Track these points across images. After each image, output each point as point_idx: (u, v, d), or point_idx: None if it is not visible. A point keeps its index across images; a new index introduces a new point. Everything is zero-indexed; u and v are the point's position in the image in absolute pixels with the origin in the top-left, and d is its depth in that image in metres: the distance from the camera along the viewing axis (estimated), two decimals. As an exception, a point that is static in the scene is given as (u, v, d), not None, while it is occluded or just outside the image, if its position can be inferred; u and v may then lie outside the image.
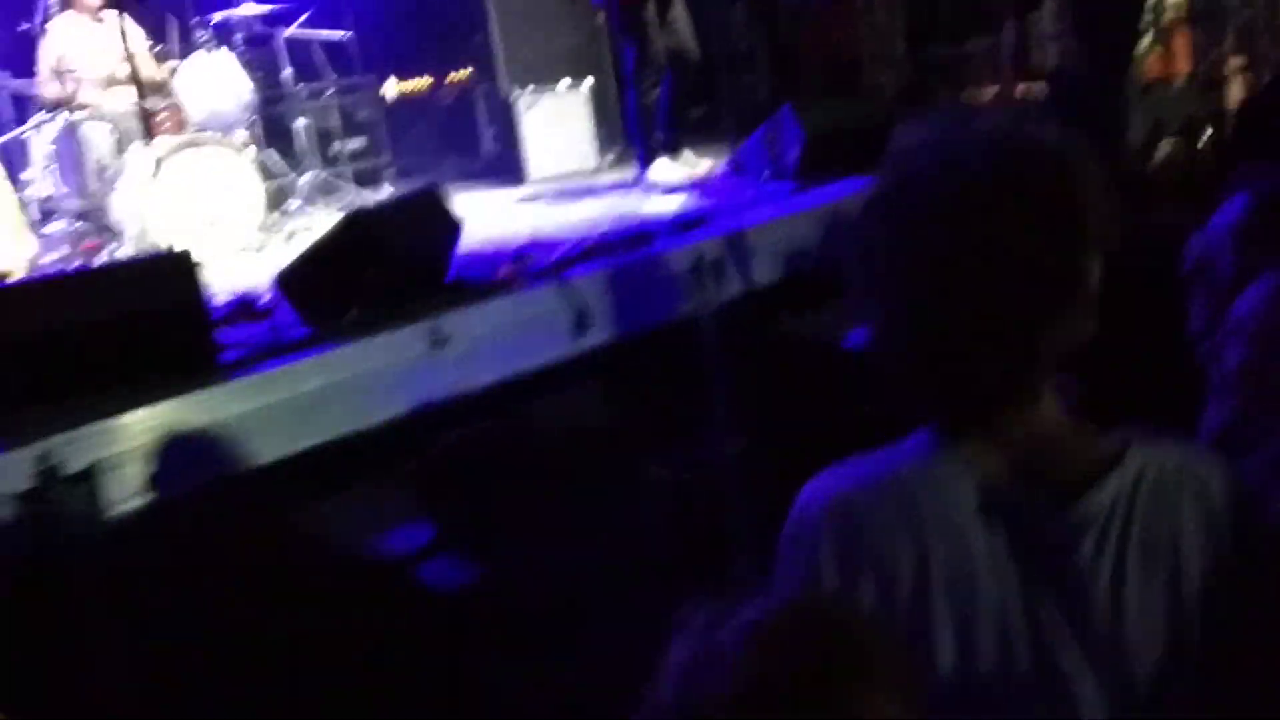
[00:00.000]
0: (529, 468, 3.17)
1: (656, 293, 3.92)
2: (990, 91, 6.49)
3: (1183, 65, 6.56)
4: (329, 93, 6.99)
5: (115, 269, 3.99)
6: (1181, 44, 6.61)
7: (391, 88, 8.18)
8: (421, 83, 8.53)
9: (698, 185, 5.25)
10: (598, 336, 3.72)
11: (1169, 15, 6.62)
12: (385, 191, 6.91)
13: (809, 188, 4.64)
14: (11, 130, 6.03)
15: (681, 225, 4.23)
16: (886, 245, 1.22)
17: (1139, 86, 5.84)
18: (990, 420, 1.20)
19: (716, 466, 3.66)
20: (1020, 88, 6.27)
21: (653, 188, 5.43)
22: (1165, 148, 5.63)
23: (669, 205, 4.89)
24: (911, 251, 1.19)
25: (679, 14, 5.48)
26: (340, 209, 6.44)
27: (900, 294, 1.21)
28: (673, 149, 5.57)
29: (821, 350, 3.95)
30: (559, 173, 6.69)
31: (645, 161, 5.59)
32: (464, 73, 8.18)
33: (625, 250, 4.03)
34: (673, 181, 5.42)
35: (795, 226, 4.34)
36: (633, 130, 5.92)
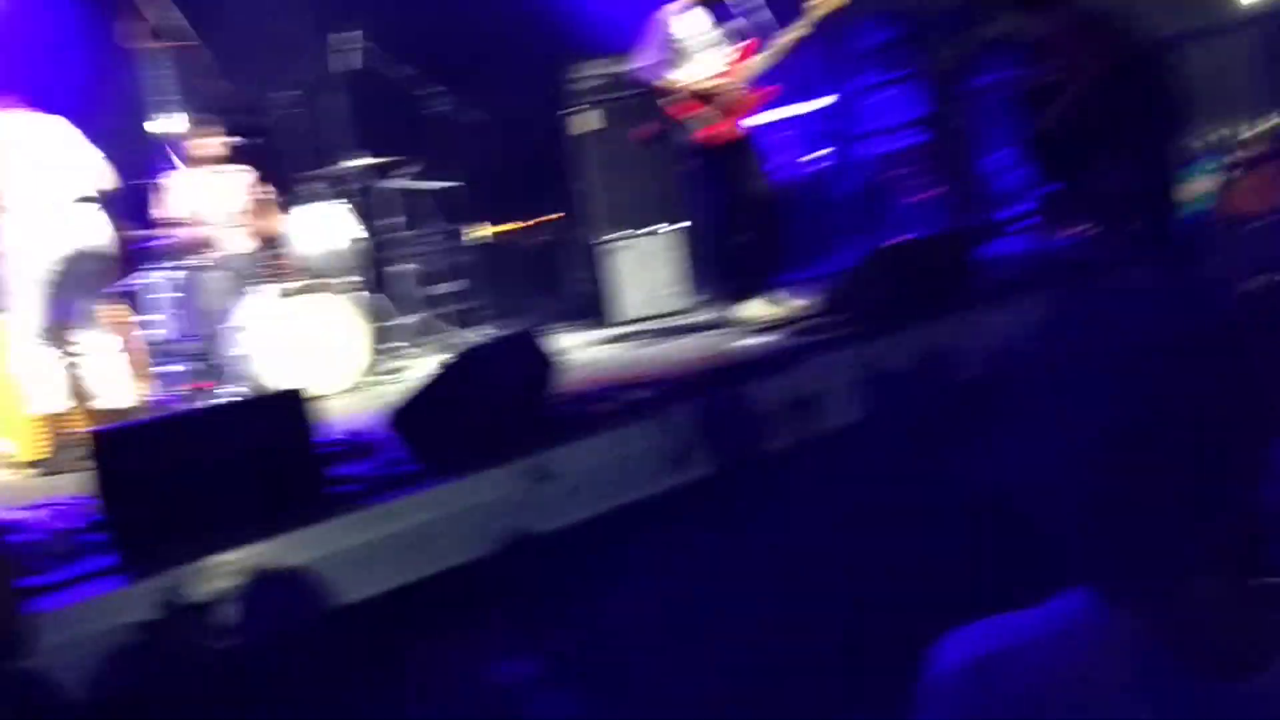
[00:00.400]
0: (632, 603, 3.20)
1: (752, 429, 3.99)
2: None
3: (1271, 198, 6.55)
4: (433, 238, 7.30)
5: (231, 408, 4.17)
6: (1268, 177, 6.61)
7: (488, 231, 8.50)
8: (516, 226, 8.86)
9: (792, 323, 5.34)
10: (694, 472, 3.79)
11: (1255, 148, 6.64)
12: (484, 332, 7.14)
13: (898, 326, 4.69)
14: (135, 276, 6.39)
15: (775, 363, 4.30)
16: None
17: (1226, 220, 5.86)
18: None
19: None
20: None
21: (744, 327, 5.54)
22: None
23: (761, 342, 4.99)
24: None
25: (764, 161, 5.67)
26: (441, 350, 6.68)
27: None
28: (762, 291, 5.70)
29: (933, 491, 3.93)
30: (648, 314, 6.87)
31: (734, 302, 5.71)
32: (556, 217, 8.49)
33: (720, 387, 4.11)
34: (763, 320, 5.53)
35: (890, 364, 4.38)
36: (720, 273, 6.08)
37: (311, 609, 2.98)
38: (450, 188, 7.26)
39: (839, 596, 3.52)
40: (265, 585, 2.94)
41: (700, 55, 5.54)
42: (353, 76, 7.05)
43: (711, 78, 5.51)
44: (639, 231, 7.00)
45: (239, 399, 5.06)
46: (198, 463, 3.04)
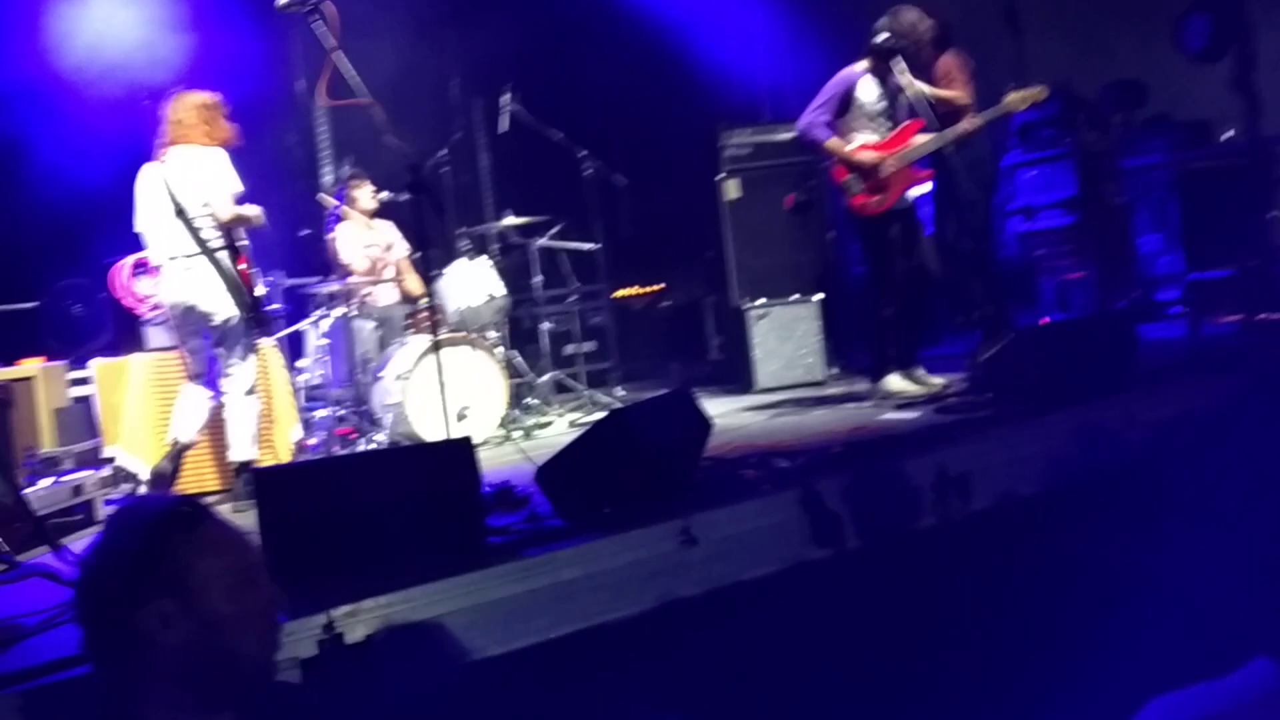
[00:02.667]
0: (771, 672, 3.16)
1: (898, 504, 3.93)
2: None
3: None
4: (570, 299, 7.41)
5: (401, 453, 4.26)
6: None
7: (622, 293, 8.61)
8: (650, 290, 8.95)
9: (933, 400, 5.27)
10: (839, 544, 3.74)
11: None
12: (616, 393, 7.20)
13: (1051, 407, 4.60)
14: (291, 324, 6.62)
15: (922, 438, 4.24)
16: None
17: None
18: None
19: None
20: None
21: (886, 401, 5.49)
22: None
23: (905, 417, 4.93)
24: None
25: (923, 236, 5.64)
26: (572, 408, 6.75)
27: None
28: (906, 365, 5.64)
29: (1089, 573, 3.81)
30: (785, 382, 6.85)
31: (876, 376, 5.66)
32: (692, 283, 8.55)
33: (866, 460, 4.07)
34: (906, 396, 5.47)
35: (1042, 444, 4.29)
36: (864, 345, 6.03)
37: (462, 657, 3.01)
38: (590, 249, 7.37)
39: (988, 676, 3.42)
40: (419, 631, 2.99)
41: (870, 124, 5.54)
42: (502, 137, 7.24)
43: (877, 148, 5.51)
44: (778, 300, 7.00)
45: (410, 445, 5.17)
46: (366, 504, 3.11)
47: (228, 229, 4.85)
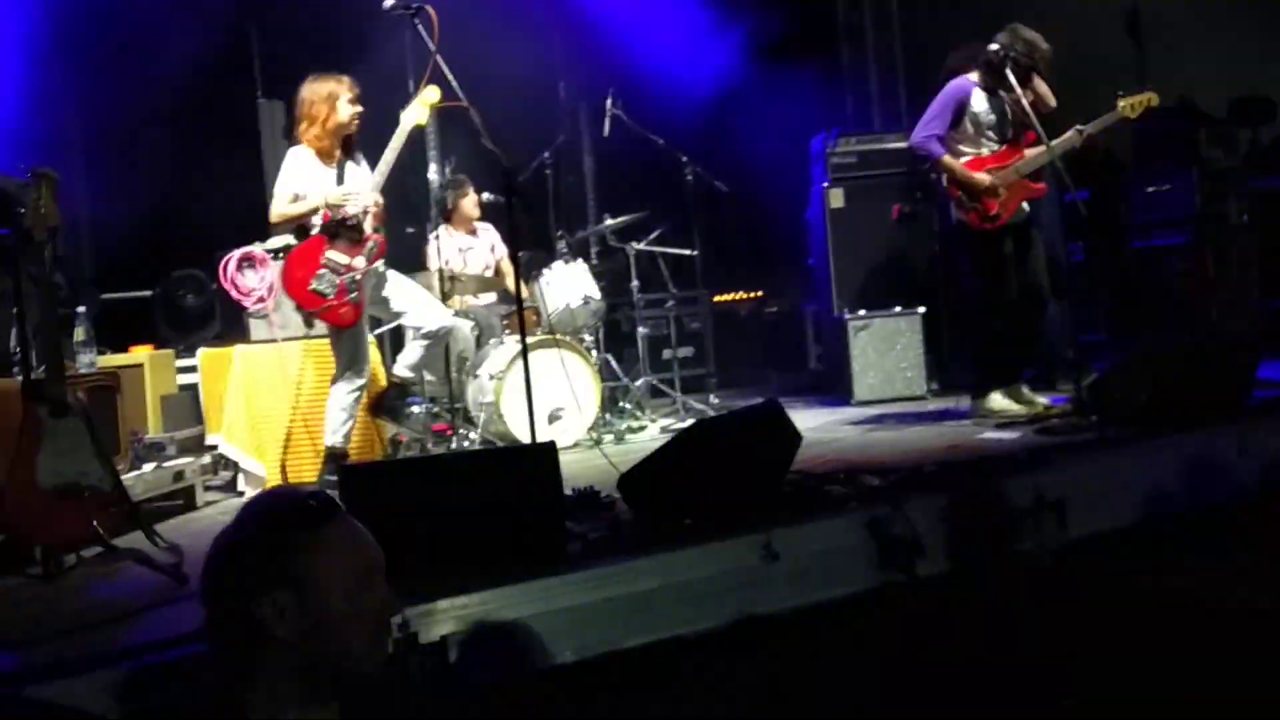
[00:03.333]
0: (852, 692, 3.08)
1: (992, 528, 3.81)
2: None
3: None
4: (667, 304, 7.38)
5: (484, 455, 4.28)
6: None
7: (723, 298, 8.56)
8: (751, 296, 8.88)
9: (1035, 420, 5.11)
10: (928, 566, 3.64)
11: None
12: (710, 400, 7.15)
13: (1158, 433, 4.42)
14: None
15: (1020, 460, 4.11)
16: None
17: None
18: None
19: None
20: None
21: (987, 420, 5.35)
22: None
23: (1005, 438, 4.79)
24: None
25: (1038, 253, 5.49)
26: (666, 414, 6.72)
27: None
28: (1010, 383, 5.49)
29: (1193, 613, 3.64)
30: (884, 395, 6.73)
31: (980, 393, 5.53)
32: (792, 292, 8.46)
33: (961, 480, 3.96)
34: (1008, 415, 5.32)
35: (1147, 472, 4.13)
36: (967, 361, 5.89)
37: (541, 662, 3.00)
38: (688, 255, 7.33)
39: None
40: (493, 633, 2.98)
41: (982, 137, 5.44)
42: (605, 142, 7.24)
43: (989, 161, 5.40)
44: (880, 311, 6.87)
45: (496, 448, 5.19)
46: (451, 505, 3.12)
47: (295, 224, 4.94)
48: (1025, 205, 5.45)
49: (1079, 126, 5.29)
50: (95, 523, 3.46)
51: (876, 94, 9.08)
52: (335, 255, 4.87)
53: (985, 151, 5.44)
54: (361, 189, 4.94)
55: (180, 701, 2.63)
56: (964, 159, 5.43)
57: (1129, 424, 4.50)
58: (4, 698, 2.40)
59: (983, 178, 5.35)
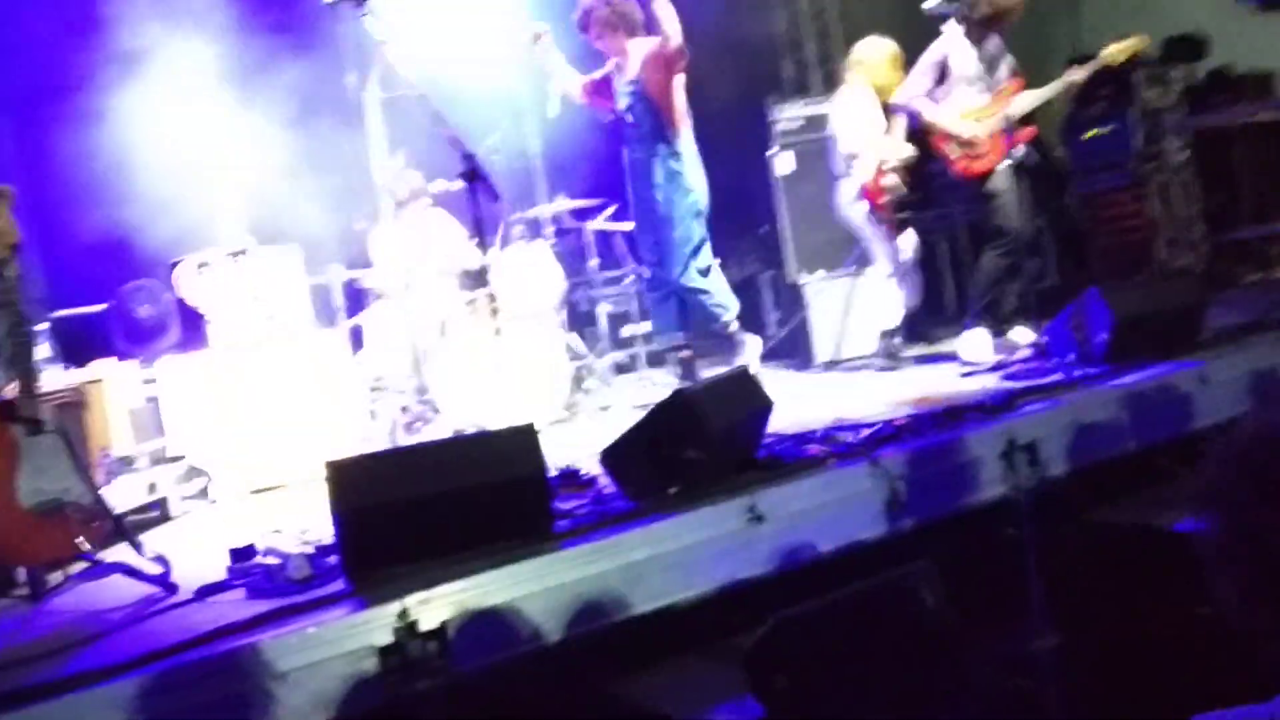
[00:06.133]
0: (850, 650, 3.14)
1: (967, 475, 3.88)
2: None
3: None
4: (627, 280, 7.40)
5: (466, 441, 4.29)
6: None
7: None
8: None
9: (999, 367, 5.21)
10: (907, 518, 3.71)
11: None
12: (673, 372, 7.18)
13: (1119, 371, 4.53)
14: (349, 316, 6.68)
15: (990, 407, 4.19)
16: (1254, 507, 1.18)
17: None
18: None
19: (1030, 663, 3.52)
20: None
21: (964, 363, 5.45)
22: None
23: (973, 386, 4.87)
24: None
25: (1023, 195, 5.61)
26: (636, 389, 6.76)
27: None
28: (999, 323, 5.59)
29: (1145, 537, 3.77)
30: (846, 355, 6.80)
31: (970, 327, 5.68)
32: (747, 259, 8.49)
33: (934, 431, 4.03)
34: (987, 360, 5.41)
35: (1106, 410, 4.22)
36: (925, 313, 5.99)
37: (535, 642, 3.03)
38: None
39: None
40: (491, 616, 3.01)
41: (970, 88, 5.53)
42: (551, 121, 7.23)
43: (975, 112, 5.49)
44: (835, 272, 6.93)
45: (474, 433, 5.20)
46: (435, 493, 3.14)
47: None
48: (1017, 149, 5.53)
49: (1075, 68, 5.39)
50: (80, 538, 3.44)
51: (813, 59, 9.13)
52: None
53: (977, 102, 5.53)
54: None
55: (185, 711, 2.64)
56: (950, 112, 5.55)
57: (1093, 363, 4.61)
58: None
59: (964, 126, 5.44)
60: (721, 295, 5.98)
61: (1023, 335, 5.59)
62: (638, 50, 5.85)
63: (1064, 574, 3.62)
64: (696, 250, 5.85)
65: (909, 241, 6.37)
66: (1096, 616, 3.71)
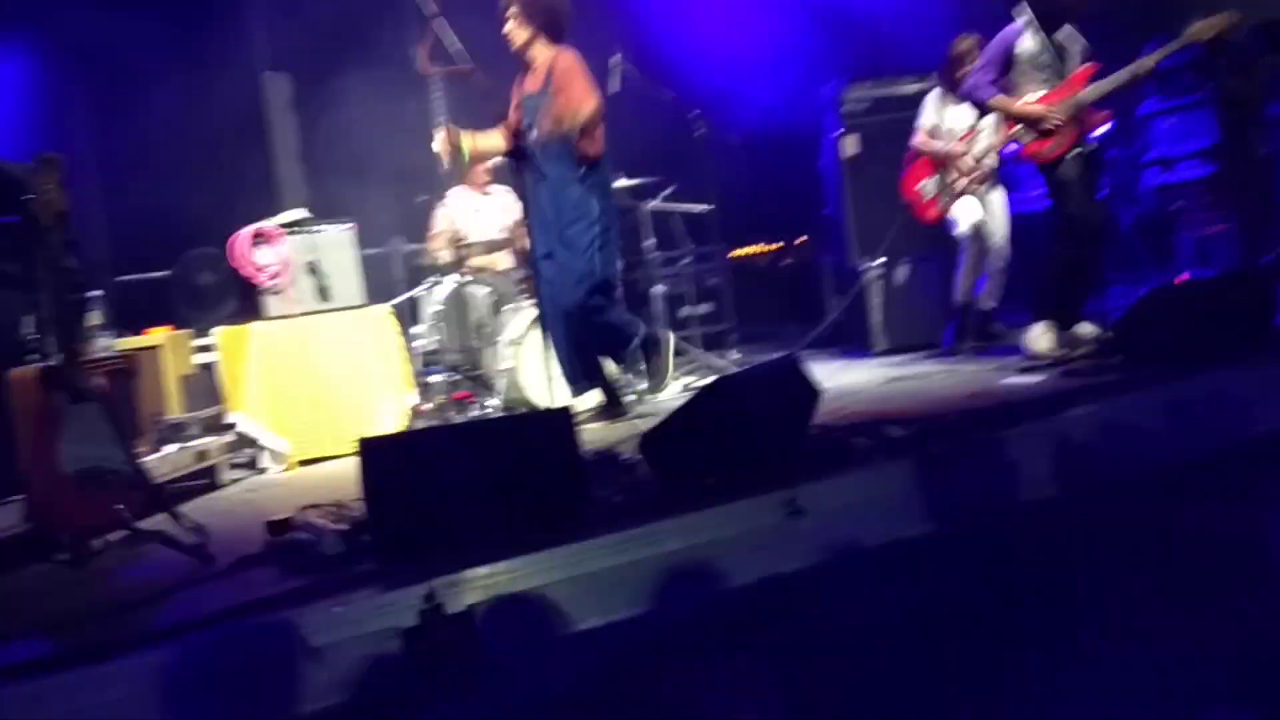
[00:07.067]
0: (890, 647, 3.06)
1: (1017, 474, 3.77)
2: None
3: None
4: (684, 261, 7.33)
5: (501, 423, 4.27)
6: None
7: (740, 252, 8.49)
8: (770, 248, 8.81)
9: (1058, 363, 5.06)
10: (954, 516, 3.61)
11: None
12: (731, 356, 7.11)
13: (1184, 372, 4.36)
14: (407, 290, 6.69)
15: (1044, 405, 4.07)
16: None
17: None
18: None
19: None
20: None
21: (1019, 362, 5.31)
22: None
23: (1029, 382, 4.74)
24: None
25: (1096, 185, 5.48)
26: (686, 372, 6.69)
27: None
28: (1069, 320, 5.45)
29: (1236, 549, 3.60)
30: (905, 344, 6.67)
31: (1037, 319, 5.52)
32: (803, 240, 8.38)
33: (985, 428, 3.91)
34: (1052, 355, 5.26)
35: (1163, 413, 4.07)
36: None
37: (563, 628, 2.99)
38: (703, 210, 7.27)
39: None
40: (520, 601, 2.98)
41: (1039, 74, 5.40)
42: (613, 99, 7.16)
43: (1044, 99, 5.35)
44: (897, 260, 6.80)
45: (512, 415, 5.19)
46: (471, 475, 3.10)
47: None
48: (1093, 136, 5.39)
49: (1169, 45, 5.21)
50: (120, 507, 3.47)
51: (886, 38, 8.94)
52: None
53: (1045, 89, 5.39)
54: None
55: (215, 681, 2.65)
56: (1025, 100, 5.41)
57: (1155, 362, 4.45)
58: None
59: (1034, 108, 5.32)
60: None
61: (1088, 331, 5.43)
62: None
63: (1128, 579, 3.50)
64: None
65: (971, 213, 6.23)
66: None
